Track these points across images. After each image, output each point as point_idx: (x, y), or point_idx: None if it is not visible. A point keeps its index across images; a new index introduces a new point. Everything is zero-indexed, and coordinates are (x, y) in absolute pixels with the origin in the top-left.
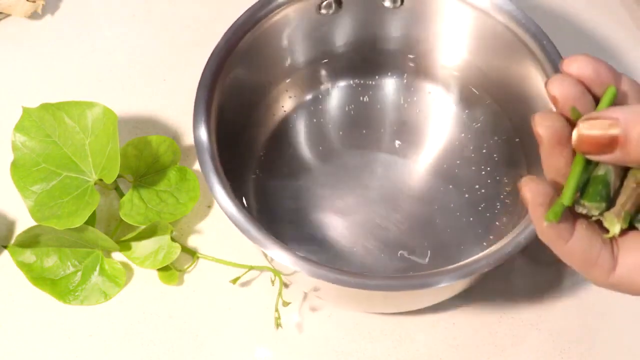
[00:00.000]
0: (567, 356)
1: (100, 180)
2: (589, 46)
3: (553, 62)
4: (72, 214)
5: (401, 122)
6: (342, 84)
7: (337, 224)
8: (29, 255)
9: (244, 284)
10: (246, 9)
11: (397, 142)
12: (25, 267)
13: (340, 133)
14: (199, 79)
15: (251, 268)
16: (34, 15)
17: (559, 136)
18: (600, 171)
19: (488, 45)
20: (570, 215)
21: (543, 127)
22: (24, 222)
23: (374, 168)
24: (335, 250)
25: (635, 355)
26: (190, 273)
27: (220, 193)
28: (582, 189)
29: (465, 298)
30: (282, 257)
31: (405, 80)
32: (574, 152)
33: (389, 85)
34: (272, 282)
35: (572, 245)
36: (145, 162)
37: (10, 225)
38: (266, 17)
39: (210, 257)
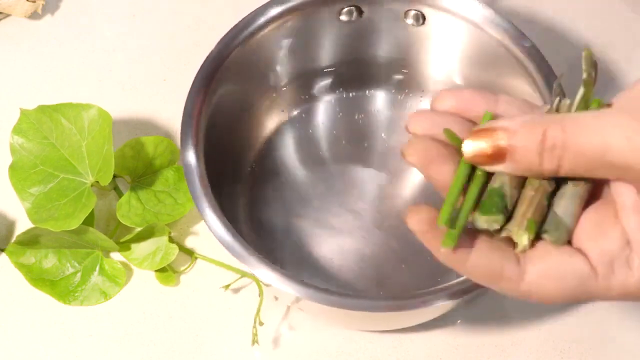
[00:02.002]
0: (567, 356)
1: (97, 182)
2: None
3: (546, 76)
4: (69, 216)
5: (394, 137)
6: (333, 97)
7: (325, 239)
8: (28, 257)
9: (243, 284)
10: (246, 9)
11: (389, 157)
12: (25, 268)
13: (331, 147)
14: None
15: (243, 275)
16: (34, 15)
17: (430, 156)
18: (495, 184)
19: (482, 61)
20: (469, 233)
21: (411, 155)
22: (23, 223)
23: (364, 183)
24: (323, 266)
25: (636, 355)
26: (190, 273)
27: (209, 215)
28: (478, 204)
29: None
30: (269, 278)
31: (400, 96)
32: (456, 165)
33: (382, 99)
34: (260, 293)
35: (473, 263)
36: (142, 163)
37: (9, 226)
38: (255, 31)
39: (209, 258)
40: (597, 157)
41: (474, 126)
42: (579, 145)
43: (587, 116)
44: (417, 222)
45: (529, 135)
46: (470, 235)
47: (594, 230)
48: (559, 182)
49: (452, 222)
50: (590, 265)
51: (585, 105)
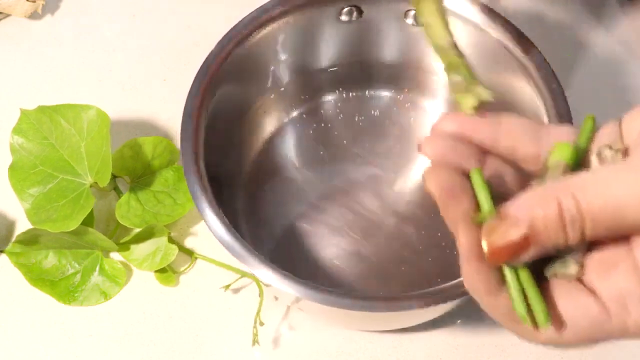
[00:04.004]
0: (567, 356)
1: (96, 182)
2: (590, 62)
3: (546, 77)
4: (67, 217)
5: (393, 138)
6: (333, 97)
7: (325, 239)
8: (28, 257)
9: (243, 284)
10: (246, 9)
11: (390, 158)
12: (25, 268)
13: (331, 147)
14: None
15: (243, 275)
16: (34, 15)
17: (452, 190)
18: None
19: (482, 61)
20: (499, 273)
21: (433, 183)
22: (23, 223)
23: (365, 183)
24: (323, 266)
25: (636, 355)
26: (190, 273)
27: (209, 216)
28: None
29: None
30: (269, 278)
31: (400, 97)
32: (473, 204)
33: (382, 99)
34: (260, 293)
35: (499, 301)
36: (141, 164)
37: (9, 227)
38: (255, 31)
39: (209, 258)
40: (616, 219)
41: (486, 156)
42: (595, 212)
43: (596, 177)
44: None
45: (546, 216)
46: (499, 274)
47: (605, 267)
48: None
49: (527, 312)
50: (603, 305)
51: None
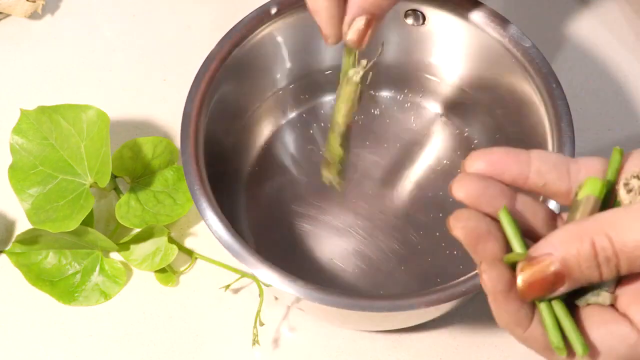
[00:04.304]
0: None
1: (96, 183)
2: (589, 61)
3: (546, 76)
4: (67, 217)
5: (395, 140)
6: (333, 97)
7: (325, 239)
8: (28, 257)
9: (243, 284)
10: (246, 9)
11: (390, 158)
12: (25, 268)
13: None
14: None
15: (243, 275)
16: (34, 15)
17: (477, 234)
18: None
19: (482, 61)
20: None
21: (458, 229)
22: (23, 223)
23: (363, 186)
24: (323, 266)
25: None
26: (190, 273)
27: (209, 216)
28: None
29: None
30: (269, 278)
31: (400, 97)
32: (501, 245)
33: (382, 99)
34: (260, 293)
35: (532, 332)
36: (141, 164)
37: (9, 227)
38: (255, 31)
39: (209, 258)
40: None
41: (516, 195)
42: (629, 250)
43: (628, 215)
44: (493, 280)
45: (579, 254)
46: (528, 305)
47: (637, 294)
48: None
49: (560, 339)
50: (638, 330)
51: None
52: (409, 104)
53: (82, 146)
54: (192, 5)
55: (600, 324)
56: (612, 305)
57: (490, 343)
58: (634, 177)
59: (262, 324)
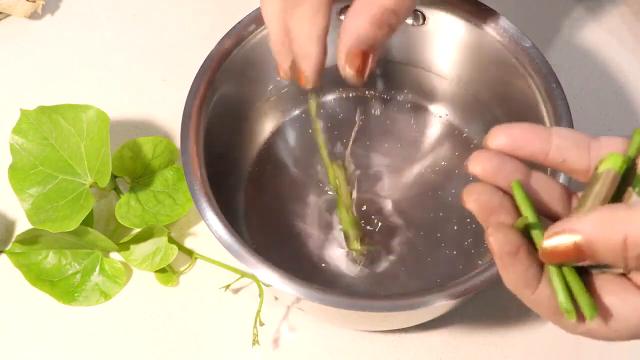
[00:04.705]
0: (568, 356)
1: (95, 183)
2: (589, 61)
3: (546, 76)
4: (67, 217)
5: (393, 138)
6: (333, 97)
7: (325, 240)
8: (28, 257)
9: (243, 284)
10: (246, 9)
11: (390, 158)
12: (25, 269)
13: (332, 147)
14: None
15: (243, 275)
16: (34, 15)
17: (490, 207)
18: None
19: (482, 61)
20: (538, 263)
21: (471, 201)
22: (23, 223)
23: (365, 184)
24: (323, 266)
25: (636, 355)
26: (190, 273)
27: (209, 216)
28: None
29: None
30: (269, 278)
31: (400, 97)
32: (513, 218)
33: (382, 99)
34: (260, 293)
35: (539, 294)
36: (141, 164)
37: (9, 227)
38: (255, 31)
39: (209, 258)
40: None
41: (531, 172)
42: None
43: None
44: (500, 243)
45: (607, 241)
46: (537, 265)
47: None
48: None
49: (569, 301)
50: None
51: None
52: (409, 104)
53: (82, 146)
54: (192, 5)
55: (614, 292)
56: (626, 277)
57: (490, 343)
58: None
59: (262, 324)
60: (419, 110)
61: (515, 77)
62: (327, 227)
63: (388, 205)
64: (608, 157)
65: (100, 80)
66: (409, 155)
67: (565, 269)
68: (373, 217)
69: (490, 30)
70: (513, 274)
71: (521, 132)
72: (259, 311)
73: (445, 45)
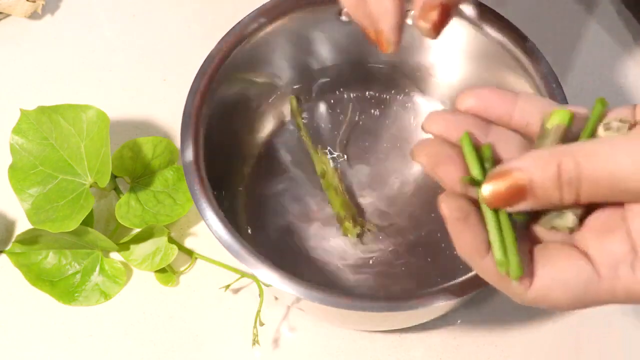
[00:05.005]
0: (567, 356)
1: (95, 183)
2: (590, 62)
3: (545, 76)
4: (67, 217)
5: (393, 138)
6: (333, 98)
7: (325, 239)
8: (28, 257)
9: (243, 284)
10: (246, 9)
11: (390, 158)
12: (25, 269)
13: (332, 148)
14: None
15: (243, 275)
16: (34, 15)
17: (439, 158)
18: None
19: (482, 61)
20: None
21: (421, 155)
22: (23, 223)
23: (365, 184)
24: (323, 266)
25: (636, 355)
26: (190, 273)
27: (209, 216)
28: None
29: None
30: (269, 278)
31: (400, 96)
32: (463, 171)
33: (382, 99)
34: (260, 293)
35: (488, 260)
36: (141, 164)
37: (9, 227)
38: (255, 31)
39: (209, 258)
40: (612, 185)
41: (489, 126)
42: (593, 177)
43: (599, 145)
44: (451, 209)
45: (545, 172)
46: (485, 236)
47: (600, 232)
48: None
49: (507, 257)
50: (595, 268)
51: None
52: (409, 104)
53: (82, 146)
54: (192, 5)
55: (559, 257)
56: (574, 245)
57: (490, 343)
58: (616, 120)
59: (262, 324)
60: (418, 110)
61: (515, 77)
62: (328, 227)
63: (388, 205)
64: (555, 113)
65: (100, 80)
66: (409, 155)
67: (504, 227)
68: (373, 217)
69: (491, 30)
70: (463, 240)
71: (488, 94)
72: (259, 311)
73: (446, 45)
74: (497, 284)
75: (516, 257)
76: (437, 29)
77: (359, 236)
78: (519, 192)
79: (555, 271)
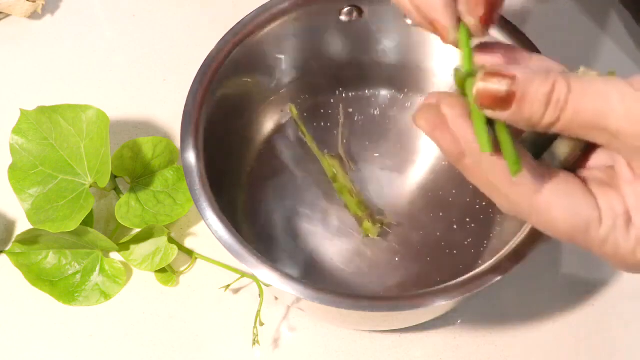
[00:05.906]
0: (567, 356)
1: (95, 183)
2: (590, 64)
3: None
4: (67, 217)
5: (393, 138)
6: (333, 97)
7: (325, 239)
8: (28, 257)
9: (243, 284)
10: (246, 9)
11: (390, 157)
12: (25, 269)
13: (331, 147)
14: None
15: (243, 275)
16: (34, 15)
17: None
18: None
19: None
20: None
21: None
22: (23, 223)
23: (365, 183)
24: (323, 266)
25: (636, 355)
26: (190, 273)
27: (209, 216)
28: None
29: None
30: (269, 278)
31: (400, 96)
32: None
33: (382, 99)
34: (260, 293)
35: (490, 158)
36: (141, 164)
37: (9, 227)
38: (255, 31)
39: (209, 258)
40: (593, 119)
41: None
42: (580, 104)
43: (595, 81)
44: (426, 121)
45: (540, 86)
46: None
47: (606, 185)
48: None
49: (491, 144)
50: (600, 213)
51: None
52: (409, 104)
53: (82, 146)
54: (192, 5)
55: (573, 189)
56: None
57: (490, 343)
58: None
59: (262, 324)
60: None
61: None
62: (328, 227)
63: (388, 205)
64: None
65: (100, 80)
66: (409, 155)
67: (499, 129)
68: (373, 217)
69: (490, 30)
70: (445, 144)
71: (504, 49)
72: (259, 311)
73: (446, 45)
74: (484, 187)
75: (512, 151)
76: (486, 23)
77: (380, 235)
78: (508, 97)
79: (568, 197)
